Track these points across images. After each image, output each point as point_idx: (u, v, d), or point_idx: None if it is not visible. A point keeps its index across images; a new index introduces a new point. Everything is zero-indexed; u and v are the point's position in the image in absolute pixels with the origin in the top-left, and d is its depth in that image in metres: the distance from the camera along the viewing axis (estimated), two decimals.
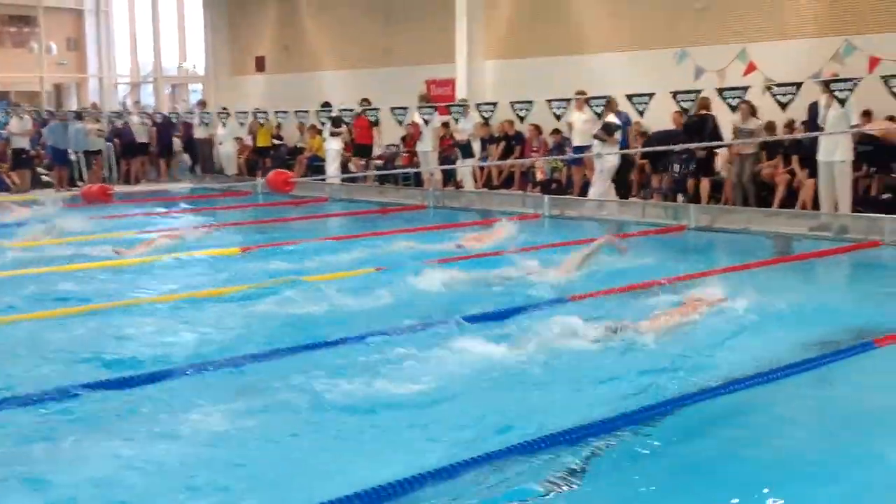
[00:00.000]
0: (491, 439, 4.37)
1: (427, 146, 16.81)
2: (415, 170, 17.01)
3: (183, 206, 16.18)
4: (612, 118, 13.80)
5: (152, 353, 6.09)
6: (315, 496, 3.60)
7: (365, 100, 17.87)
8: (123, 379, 5.41)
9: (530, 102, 14.28)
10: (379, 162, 18.43)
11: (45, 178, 19.74)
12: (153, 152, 21.07)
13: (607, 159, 13.70)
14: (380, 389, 5.15)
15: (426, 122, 16.41)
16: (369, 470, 3.99)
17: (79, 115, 20.91)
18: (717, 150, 13.57)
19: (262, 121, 20.05)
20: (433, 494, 3.75)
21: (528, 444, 4.16)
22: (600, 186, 13.86)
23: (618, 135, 13.86)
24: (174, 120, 21.78)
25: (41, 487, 3.99)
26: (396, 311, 7.10)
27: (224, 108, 21.02)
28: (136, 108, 23.76)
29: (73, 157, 19.79)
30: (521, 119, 14.68)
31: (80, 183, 19.52)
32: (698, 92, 12.99)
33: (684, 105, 12.97)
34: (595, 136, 13.92)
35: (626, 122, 14.42)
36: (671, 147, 12.97)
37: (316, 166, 18.75)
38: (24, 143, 19.28)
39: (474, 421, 4.71)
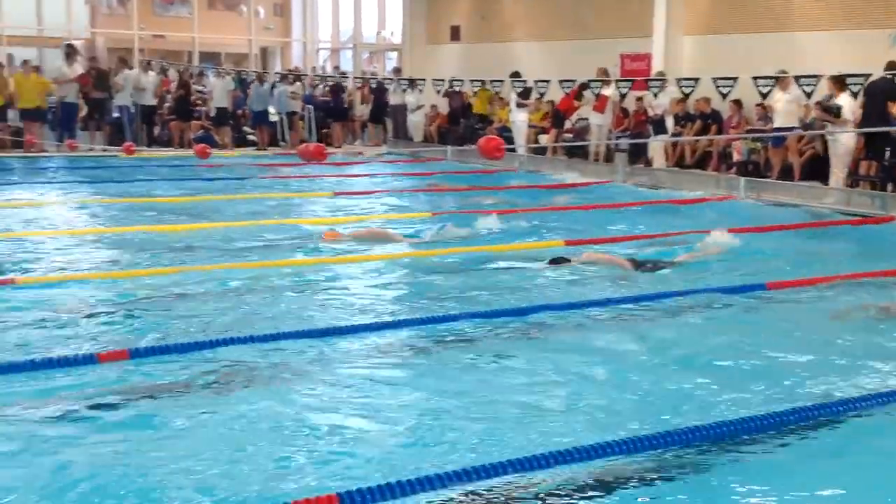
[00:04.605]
0: None
1: (604, 119, 16.74)
2: (599, 142, 16.88)
3: (389, 169, 16.77)
4: (843, 99, 13.05)
5: None
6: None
7: (584, 86, 17.73)
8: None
9: (734, 79, 13.80)
10: (569, 135, 18.36)
11: (249, 137, 20.82)
12: (355, 117, 21.85)
13: (840, 142, 13.02)
14: None
15: (596, 94, 16.46)
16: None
17: (283, 78, 21.89)
18: None
19: (476, 88, 20.36)
20: None
21: None
22: (840, 173, 13.14)
23: (847, 114, 13.09)
24: (374, 86, 22.40)
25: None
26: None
27: (408, 77, 21.56)
28: (337, 72, 24.61)
29: (275, 118, 20.79)
30: (724, 96, 14.22)
31: (282, 143, 20.52)
32: None
33: None
34: (816, 119, 13.27)
35: None
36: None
37: (505, 137, 18.86)
38: (225, 102, 20.38)
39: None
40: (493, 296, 6.80)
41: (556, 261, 7.76)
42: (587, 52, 19.43)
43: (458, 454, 3.90)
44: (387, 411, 4.44)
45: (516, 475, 3.57)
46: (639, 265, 7.75)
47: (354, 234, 8.96)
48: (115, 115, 19.48)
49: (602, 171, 15.88)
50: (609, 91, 16.87)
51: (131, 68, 20.24)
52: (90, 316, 6.11)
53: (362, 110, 22.25)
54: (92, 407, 4.42)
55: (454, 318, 6.00)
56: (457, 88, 20.36)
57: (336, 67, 27.46)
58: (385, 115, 21.94)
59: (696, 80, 15.01)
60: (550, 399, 4.62)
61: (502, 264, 7.98)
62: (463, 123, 20.53)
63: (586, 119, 18.31)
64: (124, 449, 3.93)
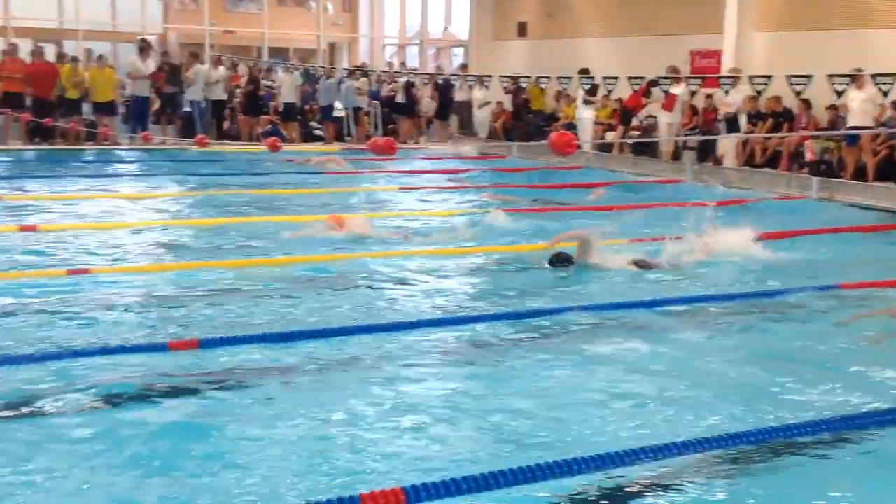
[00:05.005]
0: None
1: (673, 118, 16.54)
2: (668, 138, 16.66)
3: (452, 165, 16.75)
4: None
5: None
6: None
7: (653, 83, 17.54)
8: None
9: (808, 77, 13.49)
10: (636, 132, 18.16)
11: (316, 132, 21.00)
12: (421, 112, 21.86)
13: None
14: None
15: (665, 92, 16.39)
16: None
17: (350, 74, 22.04)
18: None
19: (543, 85, 20.29)
20: None
21: None
22: None
23: None
24: (440, 82, 22.40)
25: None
26: None
27: (475, 73, 21.50)
28: (403, 68, 24.70)
29: (340, 113, 20.93)
30: (798, 94, 13.94)
31: (347, 138, 20.66)
32: None
33: None
34: (892, 118, 12.90)
35: None
36: None
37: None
38: (293, 97, 20.60)
39: None
40: (561, 293, 6.76)
41: (560, 260, 7.52)
42: (656, 49, 19.19)
43: (528, 452, 3.88)
44: (456, 407, 4.44)
45: (588, 474, 3.54)
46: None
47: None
48: (186, 109, 19.81)
49: (670, 170, 15.72)
50: (678, 89, 16.67)
51: (202, 63, 20.54)
52: (161, 305, 6.22)
53: (429, 106, 22.27)
54: (160, 394, 4.50)
55: (529, 315, 6.00)
56: (522, 84, 20.27)
57: (402, 63, 27.55)
58: (451, 112, 21.95)
59: (769, 77, 14.70)
60: (624, 398, 4.59)
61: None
62: (529, 119, 20.45)
63: (654, 117, 18.11)
64: (191, 437, 3.99)
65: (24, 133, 18.06)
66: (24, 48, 18.99)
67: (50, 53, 19.37)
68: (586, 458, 3.59)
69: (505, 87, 20.86)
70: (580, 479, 3.54)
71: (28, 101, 17.96)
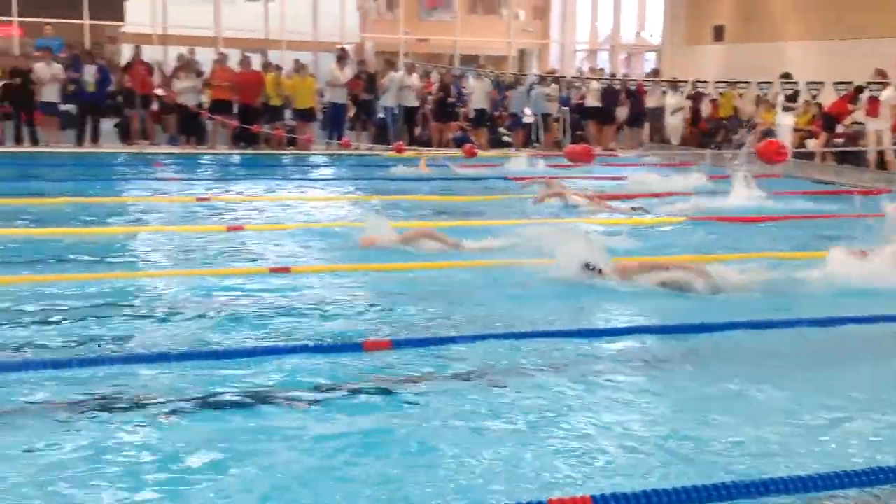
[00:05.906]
0: None
1: (882, 124, 15.57)
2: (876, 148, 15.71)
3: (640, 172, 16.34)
4: None
5: None
6: None
7: (860, 88, 16.66)
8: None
9: None
10: (840, 140, 17.26)
11: (505, 138, 21.15)
12: (617, 118, 21.60)
13: None
14: None
15: (874, 97, 15.52)
16: None
17: (541, 80, 22.09)
18: None
19: (742, 91, 19.77)
20: None
21: None
22: None
23: None
24: (632, 87, 22.08)
25: None
26: None
27: (668, 79, 21.03)
28: (594, 73, 24.51)
29: (529, 119, 20.99)
30: None
31: (535, 144, 20.70)
32: None
33: None
34: None
35: None
36: None
37: None
38: (484, 103, 20.84)
39: None
40: (751, 306, 6.50)
41: (590, 267, 6.91)
42: (864, 52, 18.16)
43: (719, 469, 3.76)
44: (647, 417, 4.36)
45: (780, 495, 3.39)
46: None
47: (405, 236, 8.54)
48: (380, 115, 20.42)
49: (878, 179, 14.83)
50: (886, 94, 15.70)
51: (397, 71, 21.12)
52: (355, 305, 6.43)
53: (621, 112, 21.98)
54: (354, 394, 4.63)
55: (714, 328, 5.80)
56: (702, 90, 19.74)
57: (592, 69, 27.36)
58: (643, 118, 21.60)
59: None
60: (817, 419, 4.37)
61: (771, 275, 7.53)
62: (725, 126, 19.85)
63: (861, 123, 17.16)
64: (380, 438, 4.05)
65: (231, 138, 19.16)
66: (233, 58, 20.14)
67: (256, 63, 20.42)
68: (784, 478, 3.44)
69: (697, 93, 20.34)
70: (776, 501, 3.40)
71: (235, 108, 19.04)
